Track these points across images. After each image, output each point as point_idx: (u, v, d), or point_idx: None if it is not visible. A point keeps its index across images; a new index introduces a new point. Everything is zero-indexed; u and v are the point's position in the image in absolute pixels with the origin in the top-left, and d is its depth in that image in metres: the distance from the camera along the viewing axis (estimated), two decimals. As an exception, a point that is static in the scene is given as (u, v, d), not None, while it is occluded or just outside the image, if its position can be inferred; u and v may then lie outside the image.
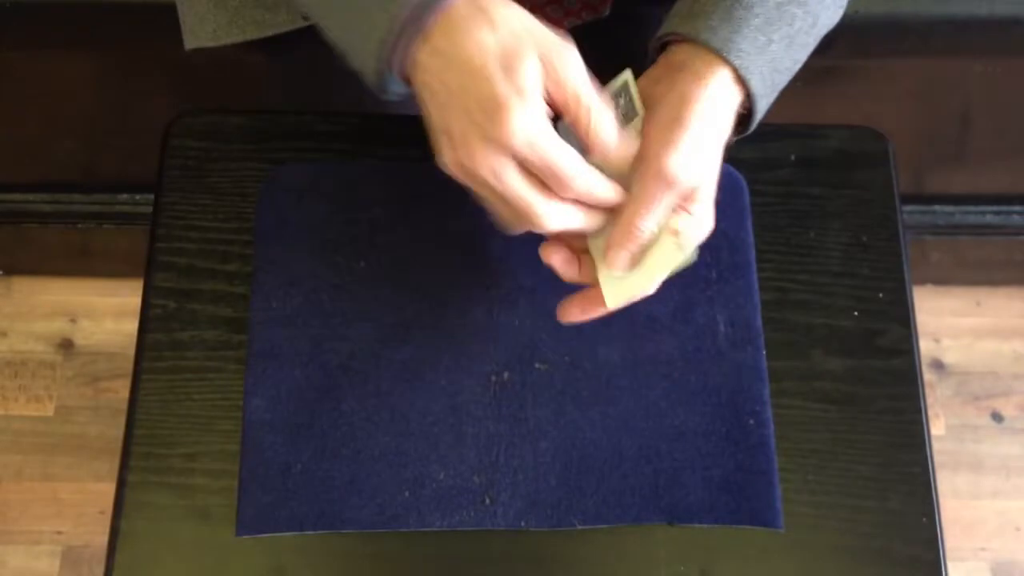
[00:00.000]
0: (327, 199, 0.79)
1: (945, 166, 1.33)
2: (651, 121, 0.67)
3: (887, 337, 0.78)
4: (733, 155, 0.76)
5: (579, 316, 0.70)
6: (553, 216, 0.64)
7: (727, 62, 0.66)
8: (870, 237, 0.80)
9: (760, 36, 0.67)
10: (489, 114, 0.61)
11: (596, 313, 0.69)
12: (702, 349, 0.76)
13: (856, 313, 0.79)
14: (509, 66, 0.61)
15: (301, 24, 0.81)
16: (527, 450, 0.73)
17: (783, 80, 0.71)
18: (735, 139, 0.70)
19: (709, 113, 0.66)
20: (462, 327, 0.76)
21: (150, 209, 0.82)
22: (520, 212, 0.64)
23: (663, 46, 0.71)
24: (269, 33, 0.82)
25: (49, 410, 1.49)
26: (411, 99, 0.67)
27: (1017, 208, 1.40)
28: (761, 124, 0.71)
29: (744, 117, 0.70)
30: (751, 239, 0.79)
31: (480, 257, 0.78)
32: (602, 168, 0.65)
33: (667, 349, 0.76)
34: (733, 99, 0.68)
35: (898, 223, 0.81)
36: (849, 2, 0.76)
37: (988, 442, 1.52)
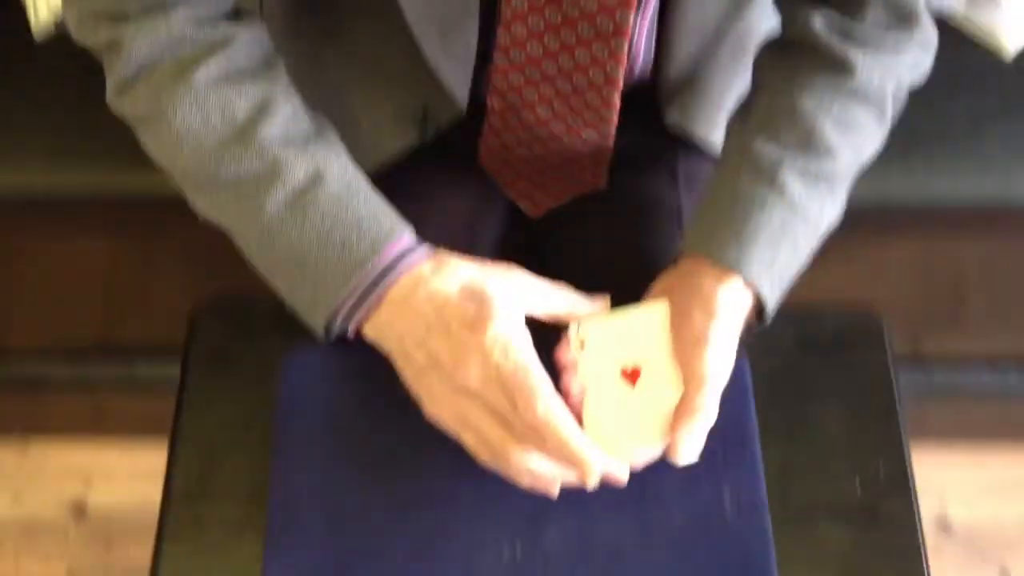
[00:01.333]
0: (347, 379, 0.82)
1: (941, 330, 1.36)
2: (676, 323, 0.74)
3: (889, 508, 0.80)
4: (734, 336, 0.80)
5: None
6: (519, 461, 0.70)
7: (738, 274, 0.73)
8: (868, 412, 0.83)
9: (767, 252, 0.75)
10: (458, 349, 0.70)
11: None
12: (710, 523, 0.78)
13: (858, 484, 0.80)
14: (478, 300, 0.70)
15: None
16: (542, 629, 0.74)
17: (790, 278, 0.78)
18: (754, 331, 0.77)
19: (726, 318, 0.73)
20: (475, 499, 0.78)
21: (167, 373, 0.84)
22: (496, 451, 0.71)
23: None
24: None
25: (61, 573, 1.49)
26: None
27: (1013, 369, 1.42)
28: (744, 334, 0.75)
29: (757, 310, 0.77)
30: (753, 414, 0.82)
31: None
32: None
33: (675, 523, 0.78)
34: (743, 305, 0.75)
35: (895, 400, 0.84)
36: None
37: (999, 600, 1.51)
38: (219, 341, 0.85)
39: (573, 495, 0.77)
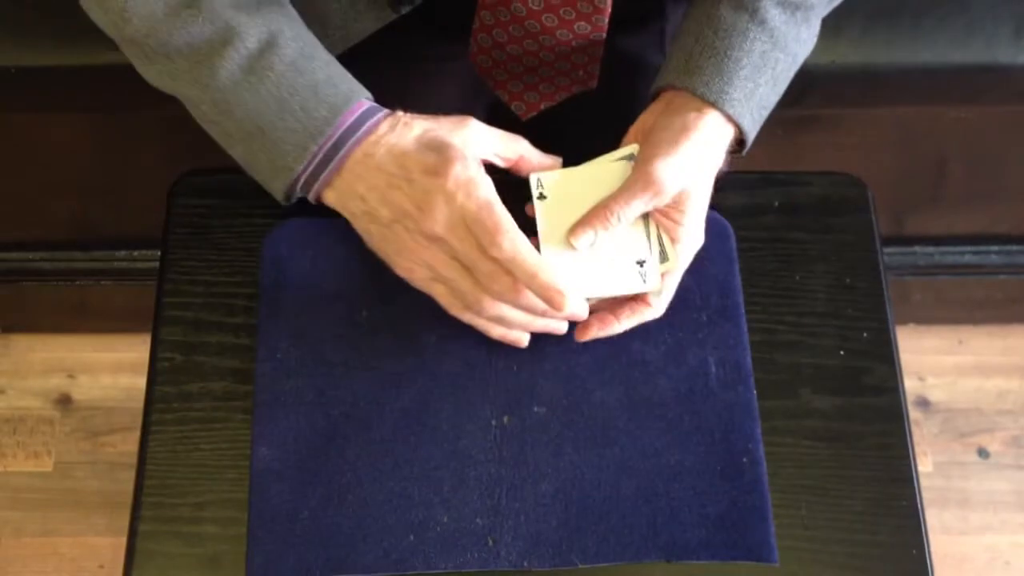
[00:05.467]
0: (328, 253, 0.82)
1: (924, 208, 1.36)
2: (651, 138, 0.75)
3: (873, 376, 0.81)
4: (720, 203, 0.80)
5: (596, 332, 0.77)
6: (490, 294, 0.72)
7: (721, 109, 0.74)
8: (853, 279, 0.83)
9: (748, 83, 0.75)
10: (430, 187, 0.70)
11: (610, 327, 0.77)
12: (695, 390, 0.79)
13: (842, 353, 0.81)
14: (442, 150, 0.71)
15: None
16: (528, 492, 0.75)
17: (768, 110, 0.78)
18: (728, 169, 0.78)
19: (702, 141, 0.74)
20: (462, 373, 0.79)
21: (147, 265, 0.84)
22: (467, 300, 0.73)
23: (658, 89, 0.78)
24: None
25: (48, 466, 1.50)
26: None
27: (994, 248, 1.43)
28: (746, 172, 0.75)
29: (736, 143, 0.77)
30: (739, 283, 0.82)
31: (478, 305, 0.81)
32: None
33: (661, 391, 0.79)
34: (726, 137, 0.76)
35: (879, 265, 0.84)
36: (825, 52, 0.80)
37: (975, 478, 1.54)
38: (199, 217, 0.84)
39: (559, 367, 0.78)
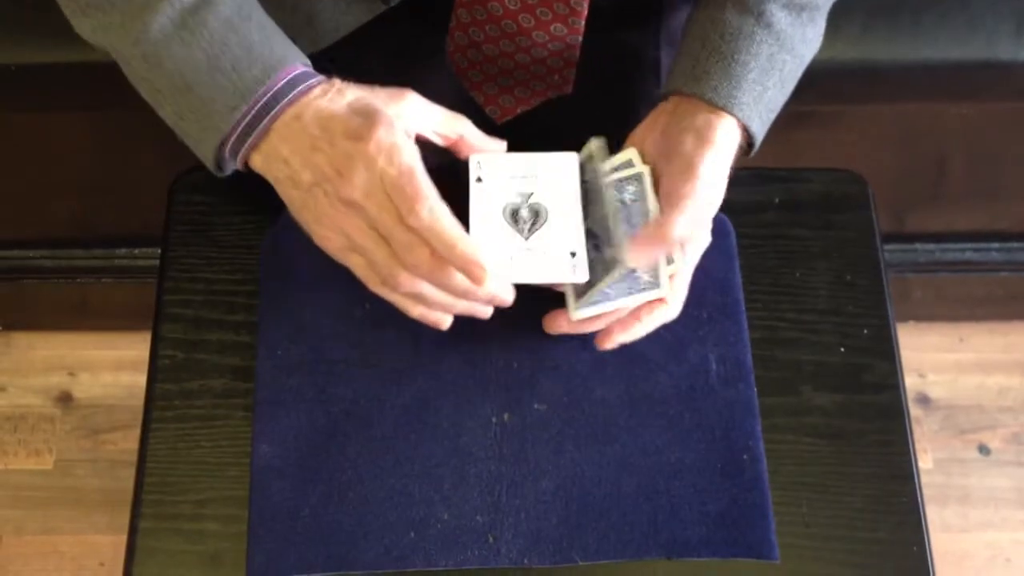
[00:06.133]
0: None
1: (924, 205, 1.36)
2: (664, 179, 0.74)
3: (873, 373, 0.81)
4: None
5: (620, 336, 0.76)
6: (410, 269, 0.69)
7: (731, 114, 0.73)
8: (853, 276, 0.83)
9: (756, 87, 0.74)
10: (351, 150, 0.68)
11: (632, 330, 0.76)
12: (695, 387, 0.79)
13: (842, 349, 0.81)
14: (368, 116, 0.68)
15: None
16: (528, 489, 0.75)
17: (776, 112, 0.77)
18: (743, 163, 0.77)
19: (714, 159, 0.73)
20: (462, 370, 0.79)
21: (148, 262, 0.84)
22: (383, 273, 0.70)
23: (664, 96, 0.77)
24: None
25: (49, 464, 1.50)
26: None
27: (995, 245, 1.43)
28: (746, 169, 0.75)
29: (744, 145, 0.77)
30: (739, 280, 0.82)
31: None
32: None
33: (662, 388, 0.79)
34: (735, 141, 0.75)
35: (880, 262, 0.84)
36: (825, 49, 0.80)
37: (976, 475, 1.54)
38: (199, 214, 0.84)
39: (560, 364, 0.78)
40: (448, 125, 0.74)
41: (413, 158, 0.68)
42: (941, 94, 1.10)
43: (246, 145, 0.71)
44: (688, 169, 0.72)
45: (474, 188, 0.74)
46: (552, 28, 0.81)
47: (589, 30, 0.81)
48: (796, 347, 0.81)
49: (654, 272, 0.73)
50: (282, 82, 0.70)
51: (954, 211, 1.37)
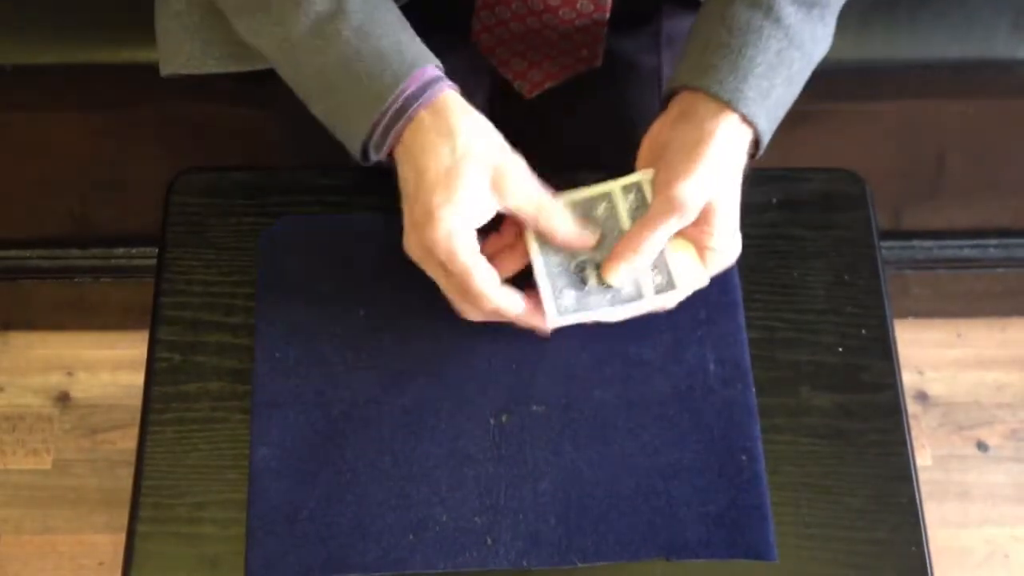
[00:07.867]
0: (325, 250, 0.82)
1: (922, 202, 1.36)
2: (667, 156, 0.73)
3: (871, 372, 0.80)
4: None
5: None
6: (472, 314, 0.74)
7: (736, 109, 0.72)
8: (851, 275, 0.83)
9: (763, 82, 0.73)
10: (424, 221, 0.70)
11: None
12: (694, 388, 0.79)
13: (841, 349, 0.81)
14: (450, 184, 0.70)
15: None
16: (527, 491, 0.75)
17: (784, 111, 0.77)
18: (749, 166, 0.76)
19: (722, 149, 0.72)
20: (460, 372, 0.78)
21: (146, 262, 0.84)
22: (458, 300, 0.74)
23: (671, 91, 0.77)
24: (251, 67, 0.84)
25: (47, 463, 1.50)
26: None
27: (993, 241, 1.43)
28: (744, 169, 0.75)
29: (752, 145, 0.76)
30: (738, 280, 0.82)
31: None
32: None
33: (660, 389, 0.78)
34: (744, 138, 0.74)
35: (877, 261, 0.84)
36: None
37: (974, 471, 1.54)
38: (196, 215, 0.84)
39: (558, 366, 0.78)
40: (537, 212, 0.73)
41: (468, 258, 0.71)
42: (938, 92, 1.10)
43: (386, 145, 0.73)
44: (690, 155, 0.72)
45: (534, 250, 0.75)
46: (579, 4, 0.81)
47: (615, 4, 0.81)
48: (795, 347, 0.81)
49: (636, 283, 0.73)
50: (413, 86, 0.72)
51: (952, 208, 1.37)
